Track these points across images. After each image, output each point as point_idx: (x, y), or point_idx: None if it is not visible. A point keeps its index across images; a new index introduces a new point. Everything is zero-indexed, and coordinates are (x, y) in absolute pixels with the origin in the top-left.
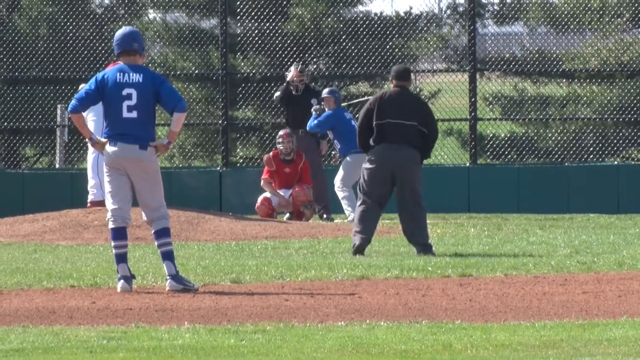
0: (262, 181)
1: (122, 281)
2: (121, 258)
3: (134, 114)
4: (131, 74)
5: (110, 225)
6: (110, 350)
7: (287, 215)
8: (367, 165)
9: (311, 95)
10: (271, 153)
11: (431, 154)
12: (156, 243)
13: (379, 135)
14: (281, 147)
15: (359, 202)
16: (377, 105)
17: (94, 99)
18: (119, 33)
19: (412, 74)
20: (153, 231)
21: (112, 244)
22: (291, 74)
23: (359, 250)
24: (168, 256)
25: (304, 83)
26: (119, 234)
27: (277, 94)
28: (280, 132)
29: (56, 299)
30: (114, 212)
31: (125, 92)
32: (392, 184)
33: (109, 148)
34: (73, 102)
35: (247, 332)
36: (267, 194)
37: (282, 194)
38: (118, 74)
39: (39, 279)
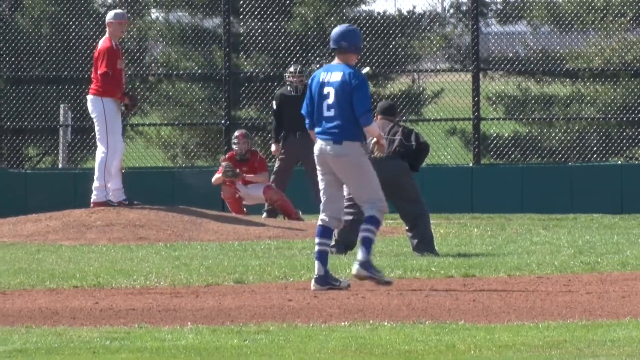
0: (223, 185)
1: (313, 280)
2: (318, 255)
3: (332, 112)
4: (332, 73)
5: (318, 222)
6: (113, 351)
7: (264, 214)
8: None
9: None
10: (227, 155)
11: (419, 168)
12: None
13: (363, 149)
14: (236, 148)
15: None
16: None
17: (310, 102)
18: (335, 30)
19: (396, 109)
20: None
21: (315, 239)
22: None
23: (338, 252)
24: (362, 241)
25: (303, 84)
26: (322, 231)
27: (274, 104)
28: (236, 133)
29: (59, 299)
30: (322, 210)
31: (325, 90)
32: None
33: (316, 146)
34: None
35: (250, 332)
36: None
37: (247, 191)
38: (323, 73)
39: (41, 279)
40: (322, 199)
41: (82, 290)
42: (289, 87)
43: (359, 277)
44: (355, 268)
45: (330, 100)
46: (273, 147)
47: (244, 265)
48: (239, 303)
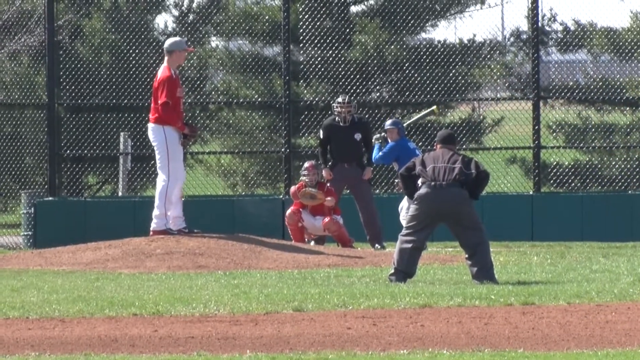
0: (289, 212)
1: None
2: None
3: None
4: None
5: None
6: None
7: (312, 242)
8: (414, 204)
9: (356, 129)
10: (297, 186)
11: (478, 196)
12: None
13: (423, 177)
14: (306, 179)
15: (402, 238)
16: (417, 160)
17: None
18: None
19: (456, 139)
20: None
21: None
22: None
23: (398, 280)
24: None
25: (351, 115)
26: None
27: (321, 134)
28: (306, 164)
29: (118, 327)
30: None
31: None
32: (437, 223)
33: None
34: None
35: None
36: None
37: (313, 221)
38: None
39: (101, 307)
40: None
41: (142, 318)
42: (336, 118)
43: None
44: None
45: None
46: (325, 172)
47: (303, 293)
48: (298, 331)
